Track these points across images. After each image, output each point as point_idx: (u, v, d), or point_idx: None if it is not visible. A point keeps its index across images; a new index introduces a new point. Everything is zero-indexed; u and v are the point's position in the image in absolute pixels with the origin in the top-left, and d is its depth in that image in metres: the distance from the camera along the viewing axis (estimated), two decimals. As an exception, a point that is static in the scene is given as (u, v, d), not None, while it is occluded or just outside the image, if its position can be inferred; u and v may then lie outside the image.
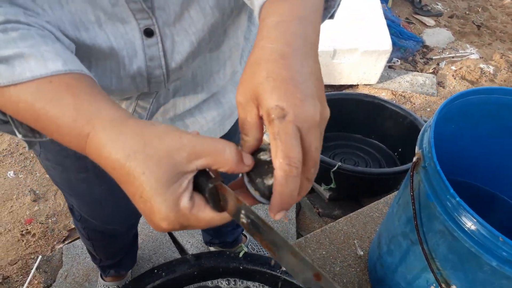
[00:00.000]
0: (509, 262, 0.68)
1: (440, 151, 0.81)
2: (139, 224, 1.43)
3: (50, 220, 1.80)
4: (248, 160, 0.39)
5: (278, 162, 0.35)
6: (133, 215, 1.01)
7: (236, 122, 0.90)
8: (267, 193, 0.39)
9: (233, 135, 0.95)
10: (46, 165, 0.79)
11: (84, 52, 0.51)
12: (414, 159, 0.83)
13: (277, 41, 0.38)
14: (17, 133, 0.44)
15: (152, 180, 0.35)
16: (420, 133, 0.87)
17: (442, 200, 0.74)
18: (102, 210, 0.92)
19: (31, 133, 0.45)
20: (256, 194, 0.40)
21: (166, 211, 0.36)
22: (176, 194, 0.36)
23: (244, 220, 0.38)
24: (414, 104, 2.57)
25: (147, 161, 0.35)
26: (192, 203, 0.38)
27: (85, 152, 0.39)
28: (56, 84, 0.39)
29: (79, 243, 1.57)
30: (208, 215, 0.39)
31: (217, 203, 0.39)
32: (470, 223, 0.70)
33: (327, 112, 0.38)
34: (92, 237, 1.08)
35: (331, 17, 0.52)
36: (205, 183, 0.38)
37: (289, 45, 0.38)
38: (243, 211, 0.38)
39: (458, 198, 0.71)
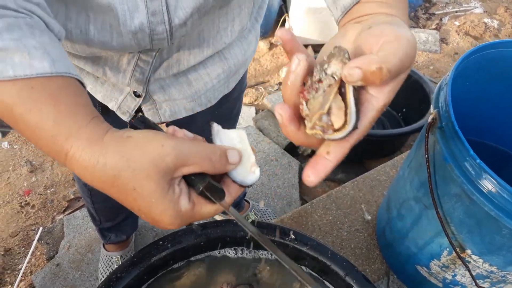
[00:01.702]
0: (531, 225, 0.65)
1: (455, 110, 0.77)
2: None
3: (48, 191, 1.77)
4: (235, 159, 0.41)
5: None
6: None
7: (241, 80, 0.86)
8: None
9: (237, 94, 0.91)
10: None
11: (83, 5, 0.49)
12: (429, 119, 0.78)
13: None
14: None
15: (145, 194, 0.36)
16: (435, 91, 0.82)
17: (460, 162, 0.71)
18: None
19: (5, 124, 0.43)
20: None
21: (169, 219, 0.37)
22: (174, 200, 0.37)
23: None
24: (416, 62, 2.50)
25: (134, 177, 0.36)
26: (192, 203, 0.39)
27: (66, 166, 0.38)
28: (38, 91, 0.36)
29: (80, 214, 1.55)
30: (211, 209, 0.41)
31: (212, 197, 0.41)
32: (490, 186, 0.67)
33: None
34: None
35: None
36: (195, 182, 0.40)
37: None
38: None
39: (478, 160, 0.67)
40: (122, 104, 0.70)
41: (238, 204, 1.41)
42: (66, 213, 1.67)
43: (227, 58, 0.72)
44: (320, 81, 0.38)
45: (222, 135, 0.46)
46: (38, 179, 1.81)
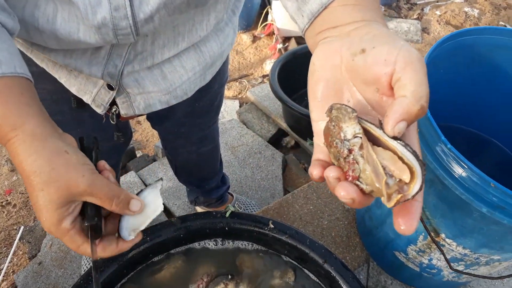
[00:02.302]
0: (500, 207, 0.67)
1: (429, 97, 0.78)
2: (122, 189, 1.40)
3: (30, 190, 1.75)
4: (135, 208, 0.47)
5: None
6: (110, 156, 1.00)
7: (221, 72, 0.86)
8: None
9: (218, 86, 0.92)
10: None
11: None
12: (403, 107, 0.79)
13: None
14: None
15: (46, 198, 0.43)
16: (409, 79, 0.83)
17: (432, 148, 0.72)
18: None
19: None
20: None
21: (48, 225, 0.44)
22: (61, 216, 0.44)
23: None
24: (398, 52, 2.52)
25: (48, 183, 0.42)
26: (72, 226, 0.45)
27: (4, 146, 0.45)
28: None
29: (62, 211, 1.53)
30: (80, 241, 0.46)
31: (90, 236, 0.47)
32: (461, 170, 0.68)
33: None
34: None
35: None
36: (88, 216, 0.46)
37: None
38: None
39: (449, 145, 0.68)
40: (96, 97, 0.70)
41: (222, 197, 1.41)
42: (49, 211, 1.65)
43: (202, 51, 0.71)
44: (350, 151, 0.35)
45: (151, 193, 0.52)
46: (19, 177, 1.79)
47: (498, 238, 0.74)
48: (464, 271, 0.86)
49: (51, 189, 0.42)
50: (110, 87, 0.67)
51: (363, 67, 0.37)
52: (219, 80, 0.91)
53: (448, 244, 0.83)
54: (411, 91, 0.34)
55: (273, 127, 1.88)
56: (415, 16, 2.79)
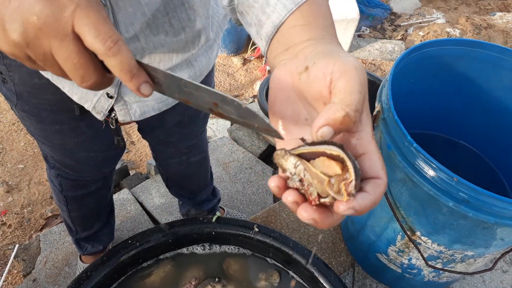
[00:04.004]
0: (465, 201, 0.71)
1: (400, 106, 0.84)
2: (115, 206, 1.43)
3: (25, 210, 1.78)
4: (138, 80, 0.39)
5: None
6: (106, 165, 1.04)
7: (207, 83, 0.94)
8: None
9: None
10: (22, 116, 0.82)
11: None
12: (374, 112, 0.85)
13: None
14: None
15: None
16: (379, 88, 0.89)
17: (401, 148, 0.77)
18: (75, 160, 0.95)
19: None
20: None
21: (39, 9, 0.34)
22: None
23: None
24: (384, 71, 2.61)
25: None
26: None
27: None
28: None
29: (57, 229, 1.56)
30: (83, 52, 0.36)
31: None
32: (427, 167, 0.73)
33: None
34: (65, 188, 1.08)
35: None
36: None
37: None
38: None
39: (415, 144, 0.73)
40: (96, 104, 0.76)
41: (213, 210, 1.45)
42: (44, 231, 1.67)
43: (193, 65, 0.78)
44: (301, 180, 0.36)
45: None
46: (14, 198, 1.82)
47: (467, 232, 0.78)
48: (442, 268, 0.90)
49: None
50: (109, 96, 0.73)
51: (307, 84, 0.39)
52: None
53: (424, 242, 0.87)
54: (340, 98, 0.35)
55: (264, 143, 1.93)
56: (399, 37, 2.90)
